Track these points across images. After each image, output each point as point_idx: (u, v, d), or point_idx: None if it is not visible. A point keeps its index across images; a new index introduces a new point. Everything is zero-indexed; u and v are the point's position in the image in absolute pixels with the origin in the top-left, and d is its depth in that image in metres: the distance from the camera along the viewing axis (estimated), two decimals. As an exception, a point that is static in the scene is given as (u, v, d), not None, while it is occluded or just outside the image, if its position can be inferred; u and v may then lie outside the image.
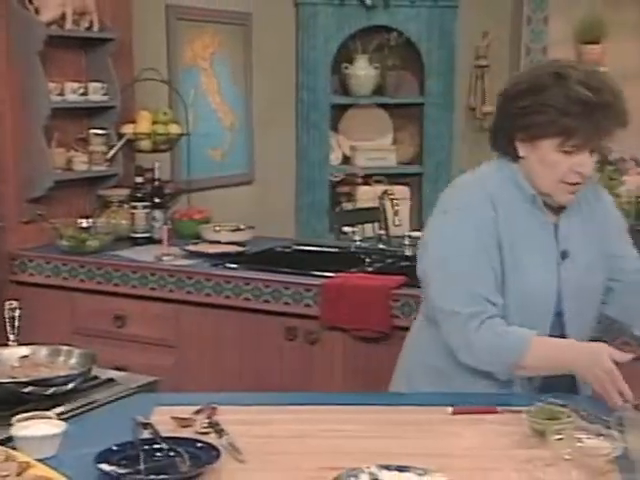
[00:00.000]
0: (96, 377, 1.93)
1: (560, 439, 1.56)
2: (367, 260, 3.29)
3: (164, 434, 1.58)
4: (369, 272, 3.12)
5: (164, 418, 1.69)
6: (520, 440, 1.65)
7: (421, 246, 1.98)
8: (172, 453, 1.52)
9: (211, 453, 1.53)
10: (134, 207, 3.55)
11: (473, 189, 1.92)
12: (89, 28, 3.53)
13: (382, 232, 3.59)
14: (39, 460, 1.46)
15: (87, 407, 1.80)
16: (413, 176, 5.19)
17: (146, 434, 1.57)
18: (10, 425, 1.58)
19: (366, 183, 5.02)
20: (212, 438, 1.62)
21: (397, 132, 5.27)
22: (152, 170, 3.62)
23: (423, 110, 5.12)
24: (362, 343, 2.86)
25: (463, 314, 1.83)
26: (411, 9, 4.99)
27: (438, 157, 5.14)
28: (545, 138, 1.82)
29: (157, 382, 2.00)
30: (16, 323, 2.02)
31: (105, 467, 1.47)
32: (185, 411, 1.74)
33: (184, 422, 1.70)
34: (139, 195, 3.57)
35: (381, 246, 3.47)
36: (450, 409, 1.78)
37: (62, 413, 1.71)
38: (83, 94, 3.52)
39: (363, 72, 5.04)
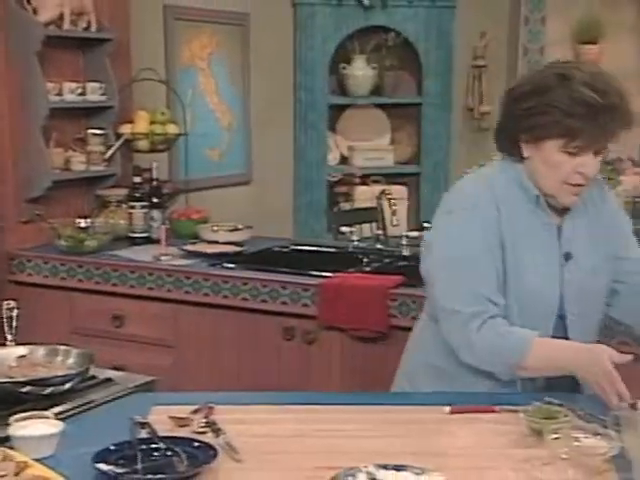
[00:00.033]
0: (94, 377, 1.93)
1: (557, 438, 1.56)
2: (365, 260, 3.30)
3: (161, 434, 1.58)
4: (367, 272, 3.12)
5: (162, 418, 1.70)
6: (517, 439, 1.65)
7: (424, 246, 1.98)
8: (169, 453, 1.52)
9: (208, 452, 1.53)
10: (132, 207, 3.55)
11: (478, 189, 1.92)
12: (87, 28, 3.53)
13: (380, 232, 3.59)
14: (37, 460, 1.46)
15: (85, 407, 1.80)
16: (411, 176, 5.19)
17: (143, 434, 1.57)
18: (8, 425, 1.58)
19: (364, 183, 5.02)
20: (209, 437, 1.62)
21: (395, 132, 5.27)
22: (150, 170, 3.62)
23: (421, 110, 5.12)
24: (360, 343, 2.86)
25: (465, 313, 1.83)
26: (409, 9, 4.99)
27: (436, 157, 5.14)
28: (549, 139, 1.82)
29: (155, 382, 2.00)
30: (14, 323, 2.03)
31: (103, 467, 1.47)
32: (182, 411, 1.74)
33: (181, 422, 1.70)
34: (137, 195, 3.57)
35: (379, 246, 3.47)
36: (447, 408, 1.78)
37: (60, 413, 1.71)
38: (81, 94, 3.52)
39: (361, 72, 5.05)
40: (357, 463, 1.47)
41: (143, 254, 3.31)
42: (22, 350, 1.96)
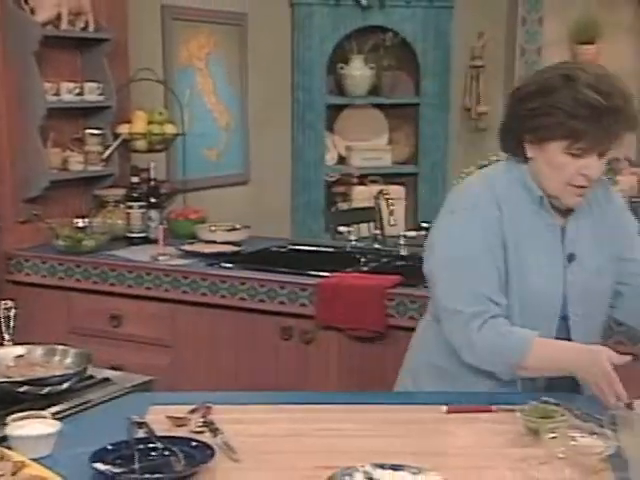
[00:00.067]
0: (92, 377, 1.93)
1: (554, 438, 1.57)
2: (362, 260, 3.30)
3: (159, 433, 1.59)
4: (364, 272, 3.13)
5: (159, 417, 1.70)
6: (514, 439, 1.66)
7: (427, 246, 1.99)
8: (167, 452, 1.52)
9: (206, 452, 1.53)
10: (130, 207, 3.55)
11: (479, 189, 1.92)
12: (85, 28, 3.53)
13: (377, 232, 3.60)
14: (34, 459, 1.46)
15: (82, 406, 1.80)
16: (408, 176, 5.20)
17: (141, 433, 1.58)
18: (5, 425, 1.58)
19: (361, 183, 5.02)
20: (207, 437, 1.62)
21: (392, 132, 5.28)
22: (148, 170, 3.62)
23: (418, 110, 5.12)
24: (357, 342, 2.86)
25: (466, 313, 1.84)
26: (406, 9, 4.99)
27: (433, 157, 5.15)
28: (553, 140, 1.82)
29: (152, 381, 2.00)
30: (11, 323, 2.03)
31: (100, 466, 1.47)
32: (180, 410, 1.74)
33: (179, 421, 1.70)
34: (135, 195, 3.57)
35: (376, 246, 3.48)
36: (444, 408, 1.79)
37: (57, 412, 1.71)
38: (79, 94, 3.52)
39: (359, 72, 5.05)
40: (354, 462, 1.48)
41: (141, 254, 3.31)
42: (20, 350, 1.96)
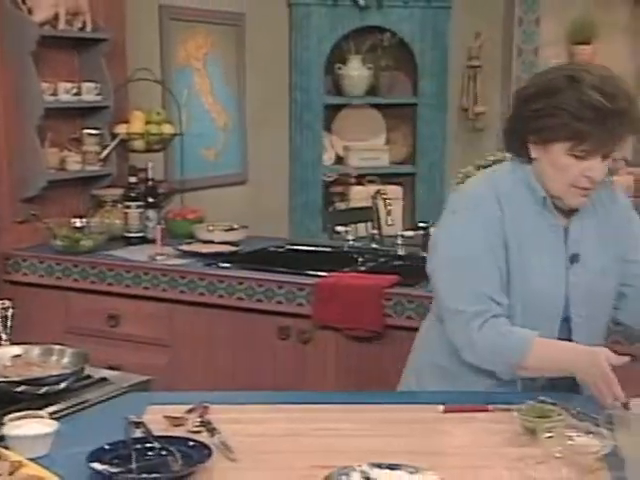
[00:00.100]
0: (89, 376, 1.93)
1: (550, 437, 1.57)
2: (360, 259, 3.30)
3: (156, 433, 1.59)
4: (362, 271, 3.13)
5: (156, 417, 1.70)
6: (511, 438, 1.66)
7: (431, 246, 1.99)
8: (164, 452, 1.52)
9: (203, 452, 1.53)
10: (128, 207, 3.55)
11: (481, 189, 1.92)
12: (82, 28, 3.53)
13: (375, 232, 3.60)
14: (31, 459, 1.46)
15: (79, 406, 1.80)
16: (406, 176, 5.20)
17: (138, 433, 1.57)
18: (2, 424, 1.58)
19: (359, 183, 5.03)
20: (204, 437, 1.62)
21: (390, 132, 5.28)
22: (145, 170, 3.62)
23: (416, 110, 5.12)
24: (355, 342, 2.87)
25: (467, 313, 1.84)
26: (404, 10, 4.99)
27: (431, 157, 5.15)
28: (556, 141, 1.81)
29: (150, 381, 2.00)
30: (9, 322, 2.03)
31: (97, 466, 1.47)
32: (177, 410, 1.74)
33: (176, 421, 1.70)
34: (133, 195, 3.57)
35: (374, 245, 3.48)
36: (441, 407, 1.79)
37: (54, 412, 1.71)
38: (76, 94, 3.52)
39: (356, 72, 5.05)
40: (352, 462, 1.48)
41: (138, 254, 3.31)
42: (17, 350, 1.96)
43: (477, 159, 3.03)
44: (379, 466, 1.47)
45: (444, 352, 1.95)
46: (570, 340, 1.90)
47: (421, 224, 3.35)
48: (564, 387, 1.88)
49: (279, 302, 2.95)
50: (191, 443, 1.56)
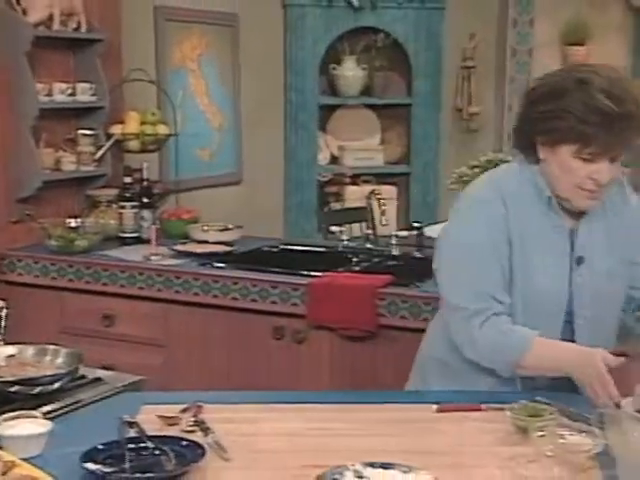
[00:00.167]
0: (83, 376, 1.93)
1: (542, 436, 1.58)
2: (354, 259, 3.31)
3: (150, 433, 1.59)
4: (356, 271, 3.13)
5: (150, 417, 1.70)
6: (503, 437, 1.67)
7: (436, 244, 2.00)
8: (157, 452, 1.53)
9: (196, 451, 1.53)
10: (122, 207, 3.55)
11: (485, 188, 1.93)
12: (77, 29, 3.53)
13: (369, 232, 3.60)
14: (25, 459, 1.46)
15: (73, 406, 1.80)
16: (400, 176, 5.21)
17: (132, 433, 1.58)
18: (-4, 424, 1.59)
19: (354, 183, 5.03)
20: (198, 436, 1.63)
21: (385, 132, 5.29)
22: (140, 170, 3.62)
23: (410, 111, 5.13)
24: (349, 342, 2.87)
25: (469, 310, 1.85)
26: (398, 10, 5.00)
27: (425, 157, 5.16)
28: (564, 144, 1.81)
29: (144, 381, 2.00)
30: (3, 323, 2.03)
31: (91, 466, 1.48)
32: (171, 410, 1.75)
33: (170, 421, 1.70)
34: (127, 195, 3.58)
35: (368, 245, 3.48)
36: (434, 407, 1.80)
37: (48, 412, 1.72)
38: (71, 95, 3.52)
39: (351, 73, 5.05)
40: (345, 461, 1.48)
41: (133, 254, 3.31)
42: (11, 349, 1.96)
43: (471, 159, 3.04)
44: (372, 465, 1.48)
45: (446, 347, 1.96)
46: (573, 341, 1.90)
47: (415, 224, 3.36)
48: (565, 387, 1.88)
49: (274, 302, 2.96)
50: (184, 443, 1.57)
